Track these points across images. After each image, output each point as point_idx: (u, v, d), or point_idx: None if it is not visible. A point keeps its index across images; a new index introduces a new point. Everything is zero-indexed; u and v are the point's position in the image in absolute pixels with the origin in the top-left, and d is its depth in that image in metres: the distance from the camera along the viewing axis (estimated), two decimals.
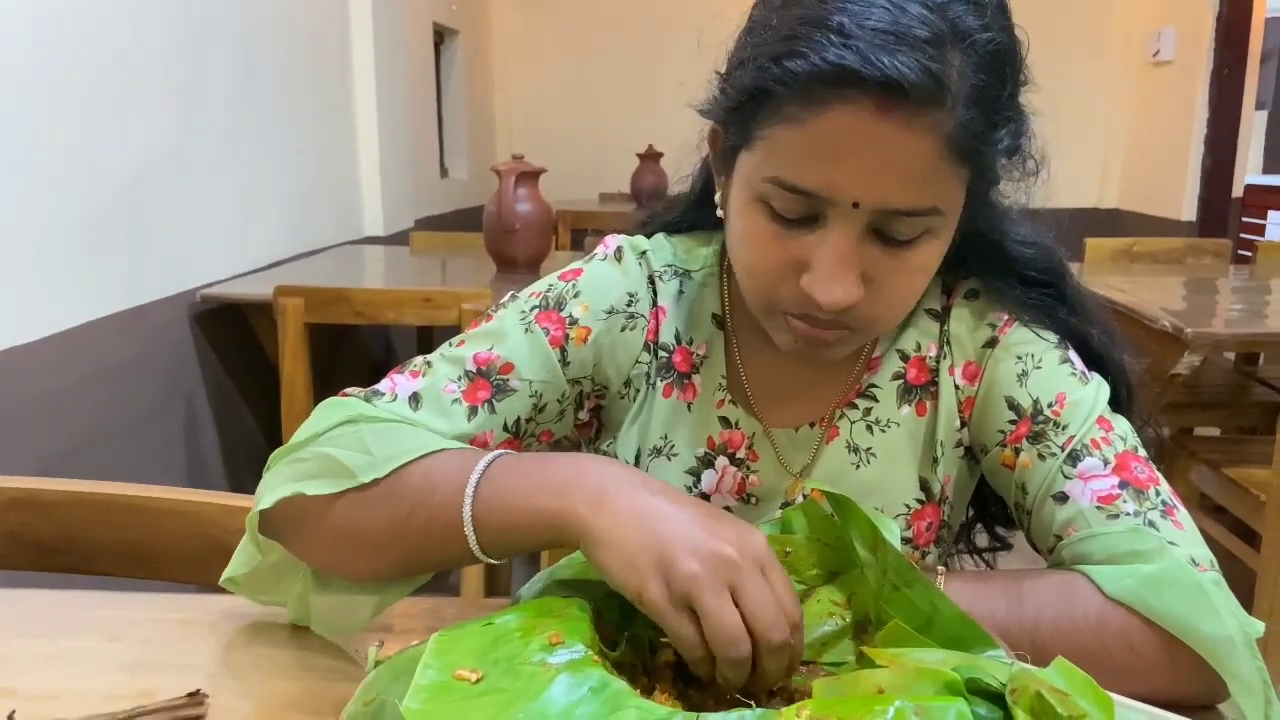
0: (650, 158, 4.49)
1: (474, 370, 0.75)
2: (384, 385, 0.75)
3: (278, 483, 0.67)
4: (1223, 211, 4.57)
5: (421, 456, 0.65)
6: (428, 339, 3.16)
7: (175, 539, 0.91)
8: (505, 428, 0.76)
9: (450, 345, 0.78)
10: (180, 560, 0.91)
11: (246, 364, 2.45)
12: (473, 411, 0.74)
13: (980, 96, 0.62)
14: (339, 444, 0.67)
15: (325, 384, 2.37)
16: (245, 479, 2.42)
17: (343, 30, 3.22)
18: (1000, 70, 0.63)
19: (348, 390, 0.75)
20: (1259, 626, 0.63)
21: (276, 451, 0.71)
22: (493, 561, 0.63)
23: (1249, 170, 4.86)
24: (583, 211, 4.36)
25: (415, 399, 0.74)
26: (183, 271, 2.21)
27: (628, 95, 5.33)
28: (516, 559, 0.71)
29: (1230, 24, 4.43)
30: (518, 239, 2.40)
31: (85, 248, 1.84)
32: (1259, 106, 5.26)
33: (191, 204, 2.23)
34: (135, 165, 1.99)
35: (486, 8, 5.38)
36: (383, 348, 3.37)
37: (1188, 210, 4.62)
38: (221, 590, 0.74)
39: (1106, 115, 5.32)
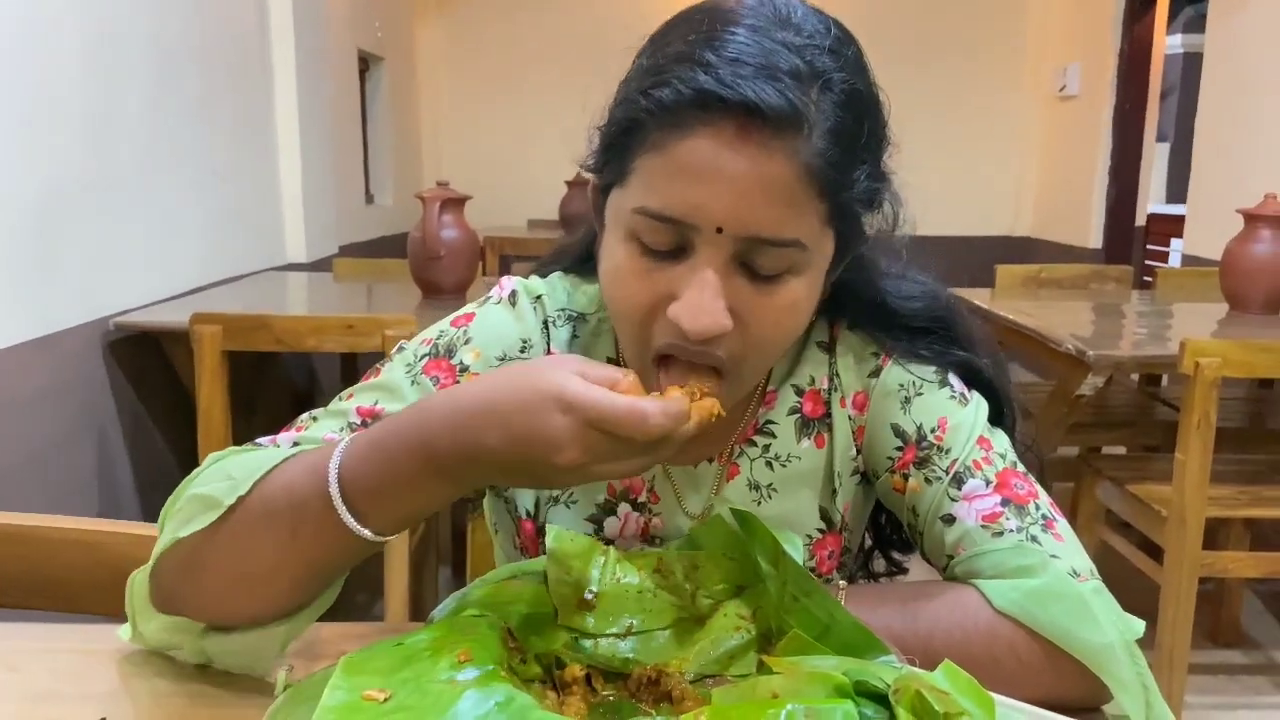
0: (579, 184, 4.51)
1: (357, 423, 0.74)
2: (267, 440, 0.75)
3: (160, 543, 0.67)
4: (1127, 239, 4.78)
5: (278, 465, 0.65)
6: (352, 366, 3.12)
7: (80, 569, 0.89)
8: None
9: (339, 399, 0.77)
10: (85, 591, 0.89)
11: (162, 394, 2.39)
12: None
13: (837, 131, 0.65)
14: (205, 482, 0.67)
15: (246, 413, 2.33)
16: (160, 512, 2.35)
17: (264, 55, 3.19)
18: (858, 114, 0.66)
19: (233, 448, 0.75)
20: (1138, 628, 0.68)
21: (160, 515, 0.70)
22: (383, 538, 0.63)
23: (1152, 200, 5.08)
24: (511, 238, 4.36)
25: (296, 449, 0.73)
26: (95, 299, 2.15)
27: (556, 122, 5.36)
28: (442, 584, 0.70)
29: (1131, 61, 4.65)
30: (443, 266, 2.40)
31: None
32: (1160, 139, 5.51)
33: (105, 229, 2.18)
34: (45, 188, 1.95)
35: (412, 34, 5.38)
36: (306, 376, 3.32)
37: (1094, 238, 4.82)
38: (126, 619, 0.73)
39: (1019, 147, 5.53)
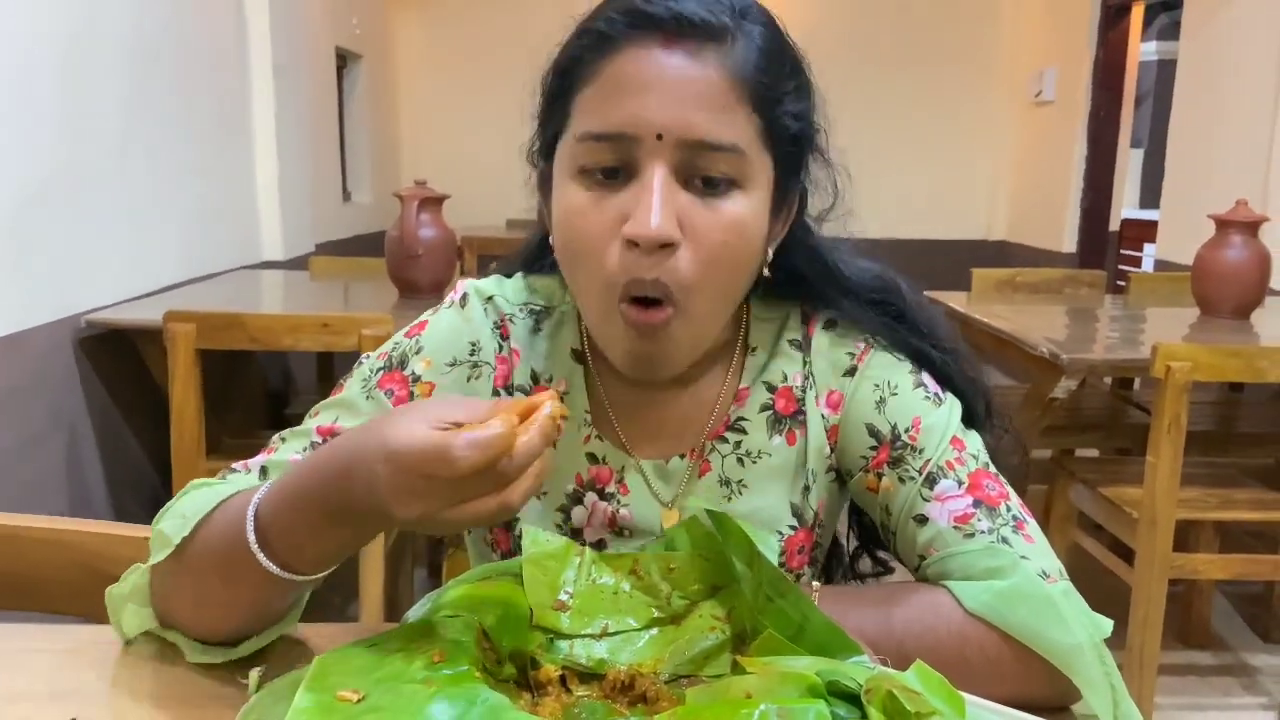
0: None
1: (319, 442, 0.75)
2: (240, 464, 0.76)
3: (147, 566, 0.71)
4: (1101, 244, 4.83)
5: (218, 506, 0.67)
6: (328, 366, 3.10)
7: (52, 569, 0.88)
8: None
9: (309, 416, 0.79)
10: (57, 590, 0.88)
11: (135, 392, 2.37)
12: None
13: (763, 49, 0.71)
14: (173, 515, 0.70)
15: (219, 413, 2.31)
16: (132, 512, 2.33)
17: (241, 52, 3.17)
18: (780, 44, 0.73)
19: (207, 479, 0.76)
20: (1106, 627, 0.68)
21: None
22: (309, 578, 0.64)
23: (1126, 205, 5.14)
24: (490, 237, 4.35)
25: (264, 472, 0.75)
26: (67, 296, 2.13)
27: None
28: (417, 585, 0.72)
29: (1106, 67, 4.70)
30: (421, 265, 2.39)
31: None
32: (1135, 145, 5.57)
33: (78, 225, 2.16)
34: (18, 185, 1.93)
35: (390, 32, 5.36)
36: (281, 376, 3.30)
37: (1069, 243, 4.87)
38: (99, 620, 0.72)
39: (995, 152, 5.58)
